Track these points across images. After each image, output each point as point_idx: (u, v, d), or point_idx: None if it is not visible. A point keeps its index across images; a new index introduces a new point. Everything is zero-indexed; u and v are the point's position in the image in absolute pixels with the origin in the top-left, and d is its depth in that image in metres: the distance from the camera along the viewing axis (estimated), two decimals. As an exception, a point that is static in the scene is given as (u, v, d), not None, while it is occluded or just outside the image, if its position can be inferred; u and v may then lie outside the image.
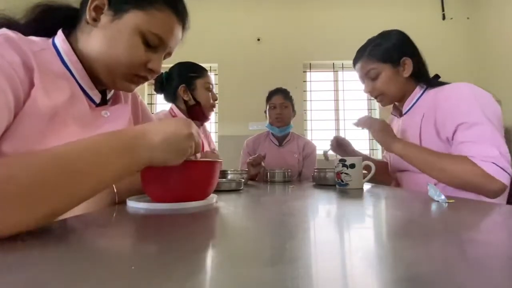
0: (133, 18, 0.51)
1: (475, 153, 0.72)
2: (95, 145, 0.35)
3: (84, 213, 0.44)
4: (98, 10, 0.51)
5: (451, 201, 0.50)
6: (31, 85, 0.43)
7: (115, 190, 0.52)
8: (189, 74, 1.24)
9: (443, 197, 0.51)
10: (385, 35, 0.95)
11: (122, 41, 0.51)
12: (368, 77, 0.95)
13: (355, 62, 1.00)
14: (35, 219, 0.28)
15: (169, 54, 0.59)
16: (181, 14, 0.56)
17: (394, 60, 0.90)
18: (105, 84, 0.56)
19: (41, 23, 0.53)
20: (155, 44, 0.53)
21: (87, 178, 0.33)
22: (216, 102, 1.28)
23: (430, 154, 0.79)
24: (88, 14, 0.50)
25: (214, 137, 2.88)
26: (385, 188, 0.87)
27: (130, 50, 0.51)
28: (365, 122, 0.97)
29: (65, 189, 0.31)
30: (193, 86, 1.23)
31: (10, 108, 0.40)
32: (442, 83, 0.88)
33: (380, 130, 0.90)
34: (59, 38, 0.52)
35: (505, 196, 0.83)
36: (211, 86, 1.25)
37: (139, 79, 0.56)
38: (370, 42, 0.96)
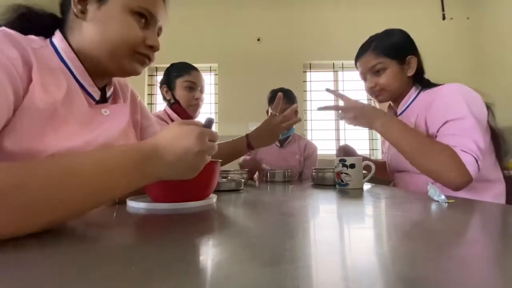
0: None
1: (457, 143, 0.74)
2: (105, 161, 0.35)
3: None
4: (82, 1, 0.51)
5: (451, 201, 0.50)
6: (30, 80, 0.43)
7: None
8: (172, 74, 1.28)
9: (443, 197, 0.51)
10: (389, 32, 0.94)
11: (115, 23, 0.51)
12: (372, 72, 0.94)
13: (358, 56, 0.98)
14: (37, 226, 0.29)
15: (160, 29, 0.59)
16: None
17: (401, 57, 0.90)
18: (113, 72, 0.56)
19: (20, 27, 0.51)
20: (146, 19, 0.54)
21: (94, 193, 0.33)
22: (199, 100, 1.28)
23: (413, 132, 0.80)
24: (75, 8, 0.50)
25: (214, 137, 2.89)
26: (385, 188, 0.87)
27: (125, 30, 0.52)
28: (343, 110, 0.90)
29: (70, 202, 0.31)
30: (173, 85, 1.26)
31: (9, 102, 0.40)
32: (435, 85, 0.89)
33: (357, 115, 0.87)
34: (57, 37, 0.52)
35: (503, 196, 0.83)
36: (193, 84, 1.26)
37: (144, 58, 0.56)
38: (375, 37, 0.95)
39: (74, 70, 0.52)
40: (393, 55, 0.90)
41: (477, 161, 0.71)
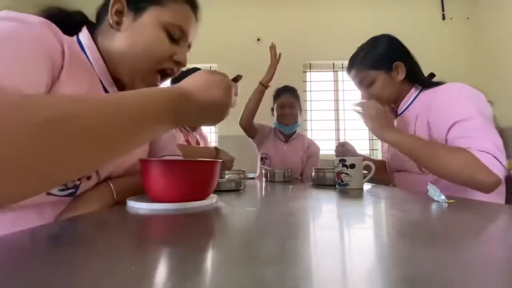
0: (153, 14, 0.53)
1: (471, 144, 0.71)
2: (145, 97, 0.35)
3: (84, 213, 0.44)
4: (119, 13, 0.52)
5: (451, 201, 0.50)
6: (61, 69, 0.44)
7: (113, 190, 0.52)
8: None
9: (443, 197, 0.51)
10: (374, 42, 0.96)
11: (146, 36, 0.53)
12: (363, 85, 0.96)
13: (348, 70, 1.01)
14: (83, 163, 0.28)
15: (189, 46, 0.61)
16: (193, 4, 0.59)
17: (387, 65, 0.91)
18: (126, 85, 0.57)
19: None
20: (177, 35, 0.55)
21: (136, 130, 0.33)
22: None
23: (425, 143, 0.77)
24: (111, 19, 0.52)
25: (214, 137, 2.88)
26: (385, 188, 0.87)
27: (155, 44, 0.53)
28: (363, 106, 0.92)
29: (117, 138, 0.30)
30: None
31: (47, 82, 0.40)
32: (437, 83, 0.89)
33: (375, 116, 0.87)
34: (84, 34, 0.53)
35: (503, 196, 0.83)
36: None
37: (165, 75, 0.58)
38: (361, 50, 0.97)
39: (96, 68, 0.53)
40: (378, 66, 0.91)
41: (497, 159, 0.68)
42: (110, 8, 0.52)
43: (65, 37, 0.47)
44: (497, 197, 0.81)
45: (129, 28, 0.52)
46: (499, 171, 0.67)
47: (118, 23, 0.52)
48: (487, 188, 0.69)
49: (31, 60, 0.38)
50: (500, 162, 0.68)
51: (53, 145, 0.24)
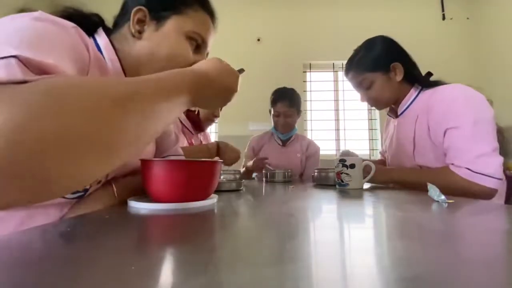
0: (175, 23, 0.53)
1: (453, 159, 0.75)
2: (173, 81, 0.37)
3: (84, 213, 0.44)
4: (141, 22, 0.52)
5: (451, 201, 0.50)
6: (87, 74, 0.44)
7: (115, 190, 0.52)
8: None
9: (443, 197, 0.51)
10: (370, 44, 0.95)
11: (170, 44, 0.53)
12: (361, 88, 0.96)
13: (346, 73, 1.01)
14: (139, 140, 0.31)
15: (207, 55, 0.62)
16: (211, 13, 0.60)
17: (384, 67, 0.91)
18: None
19: None
20: (199, 43, 0.57)
21: (155, 119, 0.34)
22: (215, 118, 1.30)
23: (416, 174, 0.83)
24: (133, 29, 0.52)
25: (214, 137, 2.89)
26: (385, 188, 0.87)
27: (179, 51, 0.54)
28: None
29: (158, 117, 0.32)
30: None
31: None
32: (437, 83, 0.89)
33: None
34: (102, 36, 0.52)
35: (503, 196, 0.83)
36: None
37: None
38: (357, 53, 0.97)
39: (112, 70, 0.52)
40: (376, 68, 0.91)
41: (473, 171, 0.71)
42: (132, 17, 0.52)
43: (89, 40, 0.47)
44: (497, 197, 0.82)
45: (151, 36, 0.53)
46: (482, 181, 0.71)
47: (140, 32, 0.53)
48: (482, 197, 0.72)
49: (70, 63, 0.38)
50: (479, 173, 0.71)
51: (125, 122, 0.27)
